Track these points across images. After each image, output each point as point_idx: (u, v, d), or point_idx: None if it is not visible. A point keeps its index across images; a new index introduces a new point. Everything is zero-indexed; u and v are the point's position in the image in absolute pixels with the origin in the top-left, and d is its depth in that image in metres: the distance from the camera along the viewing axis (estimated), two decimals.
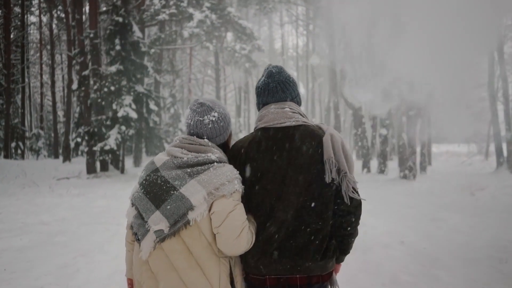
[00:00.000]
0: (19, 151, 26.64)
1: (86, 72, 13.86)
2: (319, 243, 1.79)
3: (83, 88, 13.86)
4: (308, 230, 1.78)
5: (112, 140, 13.24)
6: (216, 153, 1.82)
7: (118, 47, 13.71)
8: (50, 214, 8.34)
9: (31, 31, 34.68)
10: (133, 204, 1.82)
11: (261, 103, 1.99)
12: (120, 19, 13.25)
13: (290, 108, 1.90)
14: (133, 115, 13.44)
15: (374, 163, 23.73)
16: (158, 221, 1.71)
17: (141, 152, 17.00)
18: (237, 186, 1.76)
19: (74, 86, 13.87)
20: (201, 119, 1.88)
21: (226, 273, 1.79)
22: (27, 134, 30.66)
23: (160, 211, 1.72)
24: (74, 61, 15.57)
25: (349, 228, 1.85)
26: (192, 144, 1.83)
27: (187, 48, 28.22)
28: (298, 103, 2.00)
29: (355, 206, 1.82)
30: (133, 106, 13.59)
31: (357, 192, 1.83)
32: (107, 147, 13.14)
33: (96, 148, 13.25)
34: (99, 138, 13.78)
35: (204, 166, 1.75)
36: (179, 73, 16.05)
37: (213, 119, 1.88)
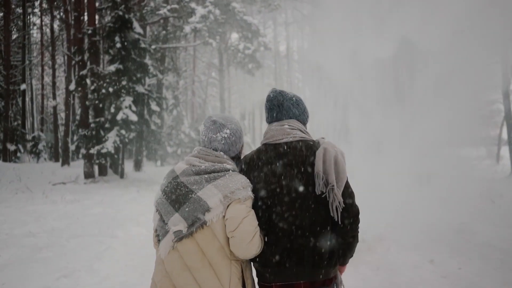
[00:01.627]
0: (18, 154, 26.04)
1: (84, 72, 13.20)
2: (320, 251, 1.92)
3: (80, 89, 13.18)
4: (308, 239, 1.92)
5: (110, 143, 12.56)
6: (230, 164, 2.00)
7: (118, 45, 13.05)
8: (39, 224, 7.65)
9: (34, 33, 34.21)
10: (157, 210, 2.00)
11: (267, 122, 2.19)
12: (120, 13, 12.58)
13: (289, 125, 2.07)
14: (133, 117, 12.75)
15: None
16: (177, 222, 1.88)
17: (142, 156, 16.31)
18: (250, 193, 1.93)
19: (72, 86, 13.22)
20: (214, 136, 2.05)
21: (237, 275, 1.91)
22: (28, 136, 30.10)
23: (179, 213, 1.89)
24: (74, 61, 14.93)
25: (346, 238, 1.97)
26: (209, 155, 2.01)
27: (190, 49, 27.62)
28: (302, 120, 2.17)
29: (351, 217, 1.95)
30: (133, 108, 12.91)
31: (350, 204, 1.95)
32: (104, 151, 12.46)
33: (93, 151, 12.56)
34: (97, 141, 13.10)
35: (220, 173, 1.92)
36: (182, 73, 15.35)
37: (225, 135, 2.05)
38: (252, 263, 2.03)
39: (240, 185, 1.91)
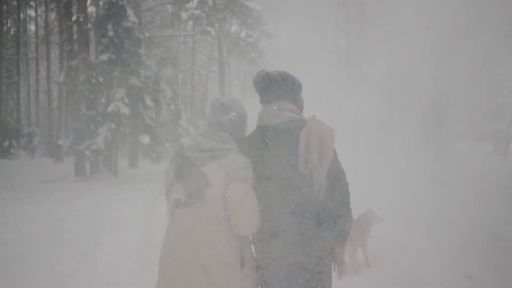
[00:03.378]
0: (12, 150, 25.18)
1: (74, 62, 12.32)
2: (312, 229, 1.98)
3: (69, 80, 12.29)
4: (300, 218, 1.98)
5: (100, 138, 11.70)
6: (233, 145, 2.10)
7: (110, 33, 12.16)
8: (17, 229, 6.81)
9: (32, 26, 33.25)
10: (166, 179, 2.14)
11: (261, 104, 2.26)
12: None
13: (278, 107, 2.14)
14: (125, 111, 11.88)
15: None
16: (178, 191, 2.01)
17: (138, 152, 15.41)
18: (251, 174, 2.02)
19: (61, 77, 12.37)
20: (221, 118, 2.15)
21: (236, 251, 1.99)
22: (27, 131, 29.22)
23: (181, 183, 2.01)
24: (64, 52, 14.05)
25: (337, 216, 2.03)
26: (214, 135, 2.10)
27: (190, 42, 26.64)
28: (293, 96, 2.21)
29: (340, 195, 2.02)
30: (126, 100, 12.04)
31: (338, 180, 2.02)
32: (94, 147, 11.60)
33: (83, 147, 11.70)
34: (88, 136, 12.24)
35: (224, 151, 2.02)
36: (180, 65, 14.46)
37: (232, 118, 2.16)
38: (252, 239, 2.11)
39: (242, 165, 1.99)
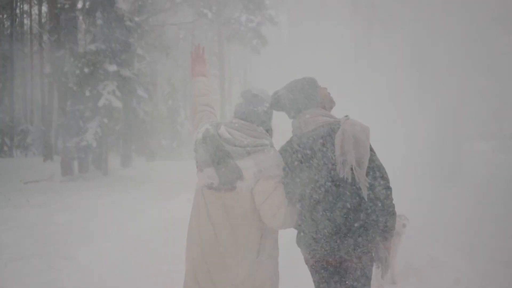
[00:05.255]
0: (5, 148, 24.32)
1: (60, 53, 11.38)
2: (353, 227, 2.03)
3: (56, 72, 11.33)
4: (342, 218, 2.03)
5: (90, 134, 10.77)
6: (268, 139, 2.19)
7: (99, 22, 11.23)
8: None
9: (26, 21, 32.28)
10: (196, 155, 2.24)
11: (290, 118, 2.31)
12: None
13: (310, 115, 2.18)
14: (117, 104, 10.95)
15: None
16: (211, 176, 2.11)
17: (131, 150, 14.46)
18: (281, 172, 2.12)
19: (47, 69, 11.45)
20: (254, 109, 2.22)
21: (254, 240, 2.10)
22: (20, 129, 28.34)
23: (215, 168, 2.10)
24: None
25: (380, 213, 2.04)
26: (251, 130, 2.17)
27: (189, 36, 25.70)
28: (318, 101, 2.24)
29: (382, 191, 2.03)
30: (118, 93, 11.10)
31: (380, 177, 2.04)
32: (83, 143, 10.67)
33: (70, 144, 10.77)
34: (76, 133, 11.31)
35: (259, 147, 2.09)
36: (171, 52, 13.53)
37: (265, 109, 2.25)
38: (299, 239, 2.18)
39: (274, 163, 2.10)
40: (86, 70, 10.33)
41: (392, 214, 2.07)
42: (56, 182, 11.22)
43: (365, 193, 1.98)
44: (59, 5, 11.65)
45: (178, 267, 4.07)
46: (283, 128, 2.66)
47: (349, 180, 1.99)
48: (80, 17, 12.02)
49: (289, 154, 2.16)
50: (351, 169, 1.97)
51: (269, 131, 2.28)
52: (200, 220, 2.15)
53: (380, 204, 2.02)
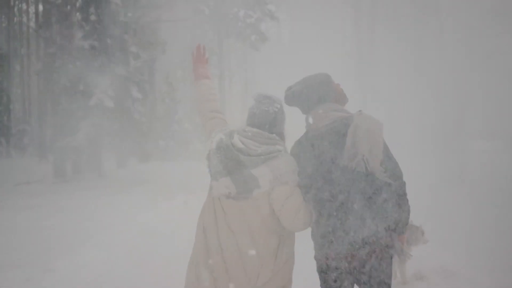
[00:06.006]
0: (0, 149, 23.91)
1: (52, 49, 10.99)
2: (367, 222, 2.03)
3: (47, 70, 10.93)
4: (356, 213, 2.04)
5: (82, 134, 10.39)
6: (281, 145, 2.20)
7: (93, 17, 10.84)
8: None
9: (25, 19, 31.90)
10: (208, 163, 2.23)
11: (303, 113, 2.31)
12: None
13: (323, 110, 2.19)
14: (109, 104, 10.56)
15: None
16: (228, 185, 2.10)
17: (127, 150, 14.05)
18: (296, 177, 2.14)
19: (39, 67, 11.06)
20: (266, 109, 2.24)
21: (273, 245, 2.14)
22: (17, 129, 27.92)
23: (231, 177, 2.09)
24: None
25: (395, 207, 2.06)
26: (264, 138, 2.18)
27: (189, 36, 25.29)
28: (332, 96, 2.24)
29: (395, 183, 2.04)
30: (110, 92, 10.71)
31: (392, 169, 2.04)
32: (75, 143, 10.28)
33: (62, 145, 10.39)
34: (68, 133, 10.93)
35: (274, 154, 2.11)
36: (166, 48, 13.14)
37: (276, 110, 2.26)
38: (312, 237, 2.20)
39: (289, 168, 2.11)
40: (77, 66, 9.93)
41: (406, 209, 2.10)
42: (47, 184, 10.83)
43: (382, 178, 2.00)
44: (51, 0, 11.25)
45: (172, 276, 3.78)
46: (291, 133, 2.58)
47: (363, 170, 2.00)
48: (74, 13, 11.63)
49: (303, 149, 2.19)
50: (363, 159, 1.99)
51: (281, 136, 2.28)
52: (219, 228, 2.16)
53: (394, 198, 2.04)
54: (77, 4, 11.25)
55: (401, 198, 2.06)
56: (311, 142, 2.16)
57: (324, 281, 2.15)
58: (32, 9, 28.09)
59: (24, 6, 30.50)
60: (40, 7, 25.53)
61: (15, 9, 28.84)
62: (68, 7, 11.14)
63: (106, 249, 5.48)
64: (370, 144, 1.99)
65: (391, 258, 2.12)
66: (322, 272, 2.15)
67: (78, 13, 11.38)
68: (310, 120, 2.21)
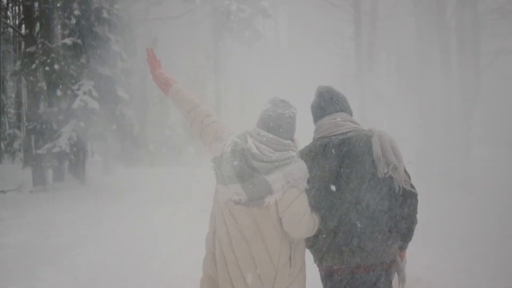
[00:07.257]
0: None
1: (32, 48, 10.26)
2: (377, 234, 2.03)
3: (27, 71, 10.17)
4: (367, 224, 2.04)
5: (64, 140, 9.65)
6: (294, 151, 2.15)
7: (77, 12, 10.14)
8: None
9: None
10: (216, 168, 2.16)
11: (318, 117, 2.33)
12: None
13: (341, 118, 2.23)
14: (94, 105, 9.84)
15: None
16: (239, 192, 2.05)
17: (111, 156, 13.31)
18: (306, 184, 2.11)
19: (17, 67, 10.35)
20: (282, 112, 2.17)
21: (286, 251, 2.10)
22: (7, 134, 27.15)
23: (241, 185, 2.04)
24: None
25: (405, 219, 2.09)
26: (278, 144, 2.13)
27: (185, 39, 24.70)
28: (350, 112, 2.31)
29: (409, 198, 2.08)
30: (95, 93, 9.99)
31: (410, 185, 2.08)
32: (56, 150, 9.54)
33: (42, 151, 9.64)
34: (50, 137, 10.19)
35: (287, 160, 2.08)
36: (156, 44, 12.46)
37: (292, 114, 2.19)
38: (313, 247, 2.17)
39: (302, 174, 2.07)
40: (56, 66, 9.21)
41: (414, 222, 2.12)
42: (25, 193, 10.05)
43: (400, 192, 2.05)
44: None
45: None
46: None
47: (387, 179, 2.04)
48: (55, 10, 10.90)
49: (317, 155, 2.18)
50: (393, 168, 2.02)
51: (294, 140, 2.24)
52: (231, 236, 2.12)
53: (406, 210, 2.07)
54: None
55: (412, 211, 2.09)
56: (326, 148, 2.15)
57: None
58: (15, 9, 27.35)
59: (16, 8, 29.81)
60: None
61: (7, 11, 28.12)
62: (49, 3, 10.37)
63: (70, 272, 4.72)
64: (395, 154, 2.03)
65: (392, 274, 2.12)
66: (327, 279, 2.14)
67: (60, 10, 10.66)
68: (326, 127, 2.20)
